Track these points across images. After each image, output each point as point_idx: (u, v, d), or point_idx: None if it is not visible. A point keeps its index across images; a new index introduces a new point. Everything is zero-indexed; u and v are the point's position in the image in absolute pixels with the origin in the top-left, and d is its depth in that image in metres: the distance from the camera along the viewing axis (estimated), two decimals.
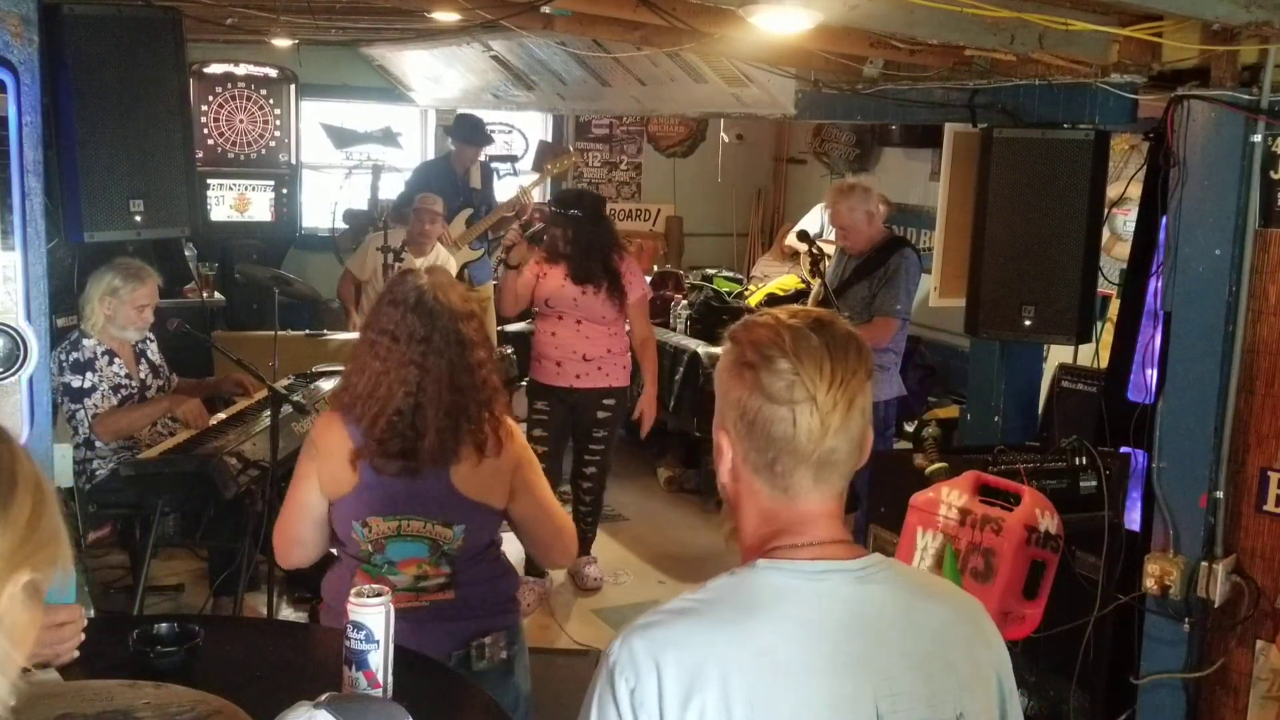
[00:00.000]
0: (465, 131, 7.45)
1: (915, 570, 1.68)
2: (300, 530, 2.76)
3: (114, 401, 4.37)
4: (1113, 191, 4.04)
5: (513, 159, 8.54)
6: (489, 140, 7.67)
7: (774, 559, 1.42)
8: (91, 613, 2.97)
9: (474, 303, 2.87)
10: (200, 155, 7.22)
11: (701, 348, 6.24)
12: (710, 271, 7.55)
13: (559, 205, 5.36)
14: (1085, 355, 4.27)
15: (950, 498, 2.90)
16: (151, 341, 4.63)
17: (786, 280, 7.08)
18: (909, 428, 6.10)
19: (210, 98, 7.73)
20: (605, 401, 5.18)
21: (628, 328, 5.27)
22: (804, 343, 1.40)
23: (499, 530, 2.86)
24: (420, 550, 2.70)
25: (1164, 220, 3.33)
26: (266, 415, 4.30)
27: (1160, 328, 3.35)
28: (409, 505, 2.68)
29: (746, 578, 1.42)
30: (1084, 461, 3.53)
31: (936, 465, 3.43)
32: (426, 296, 2.70)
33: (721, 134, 8.88)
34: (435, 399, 2.65)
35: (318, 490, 2.72)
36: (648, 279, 7.68)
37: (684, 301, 6.93)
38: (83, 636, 2.09)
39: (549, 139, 9.09)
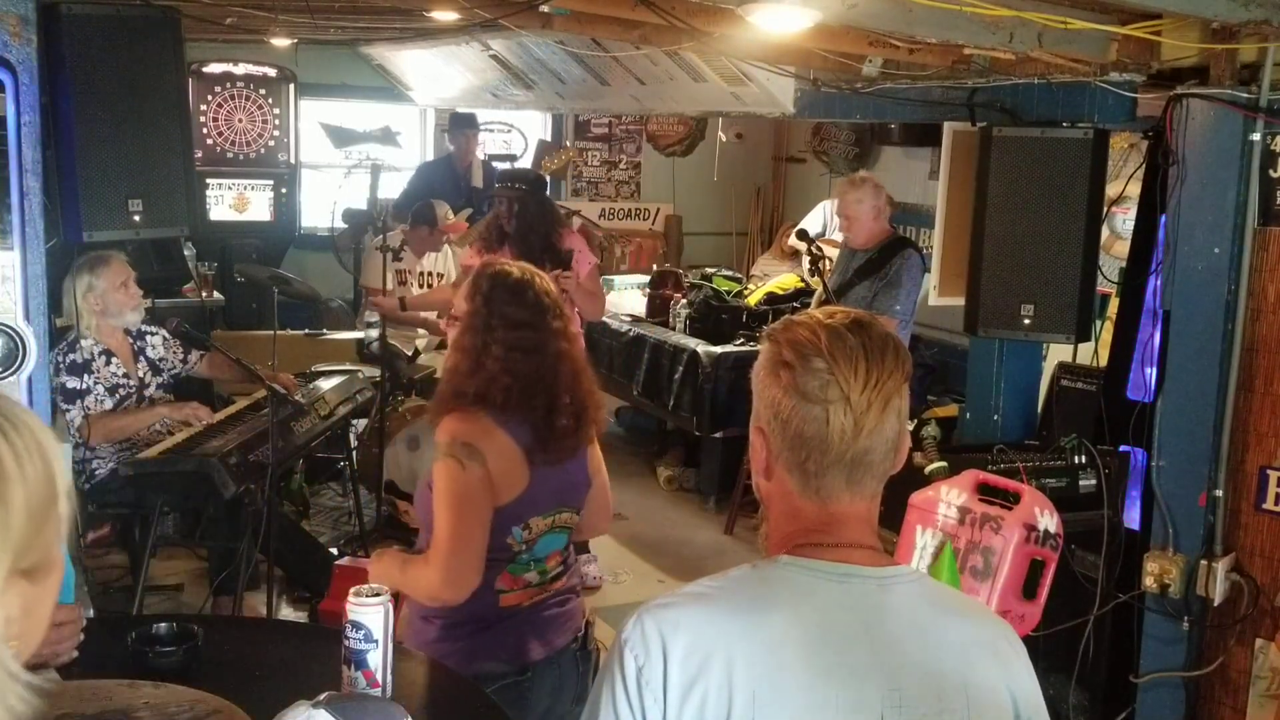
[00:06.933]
0: (456, 122, 7.64)
1: (946, 588, 1.66)
2: (481, 545, 2.49)
3: (110, 403, 4.36)
4: (1112, 190, 4.04)
5: (512, 158, 8.54)
6: (477, 127, 7.80)
7: (797, 556, 1.41)
8: (91, 612, 2.97)
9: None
10: (199, 155, 7.21)
11: (701, 347, 6.23)
12: (710, 271, 7.53)
13: (502, 180, 5.24)
14: (1084, 354, 4.27)
15: (949, 496, 2.89)
16: (153, 335, 4.61)
17: (786, 279, 7.06)
18: (908, 426, 6.09)
19: (209, 97, 7.73)
20: None
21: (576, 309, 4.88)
22: (840, 342, 1.40)
23: None
24: (561, 541, 2.72)
25: (1163, 219, 3.33)
26: (266, 415, 4.30)
27: (1159, 326, 3.35)
28: (563, 496, 2.68)
29: (767, 571, 1.42)
30: (1083, 460, 3.53)
31: (936, 464, 3.43)
32: (527, 285, 2.64)
33: (720, 133, 8.87)
34: (572, 372, 2.66)
35: (490, 497, 2.51)
36: (646, 278, 7.70)
37: (683, 301, 6.91)
38: (81, 636, 2.09)
39: (548, 138, 9.09)
